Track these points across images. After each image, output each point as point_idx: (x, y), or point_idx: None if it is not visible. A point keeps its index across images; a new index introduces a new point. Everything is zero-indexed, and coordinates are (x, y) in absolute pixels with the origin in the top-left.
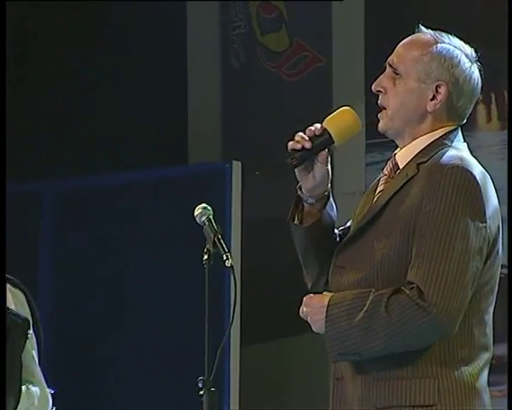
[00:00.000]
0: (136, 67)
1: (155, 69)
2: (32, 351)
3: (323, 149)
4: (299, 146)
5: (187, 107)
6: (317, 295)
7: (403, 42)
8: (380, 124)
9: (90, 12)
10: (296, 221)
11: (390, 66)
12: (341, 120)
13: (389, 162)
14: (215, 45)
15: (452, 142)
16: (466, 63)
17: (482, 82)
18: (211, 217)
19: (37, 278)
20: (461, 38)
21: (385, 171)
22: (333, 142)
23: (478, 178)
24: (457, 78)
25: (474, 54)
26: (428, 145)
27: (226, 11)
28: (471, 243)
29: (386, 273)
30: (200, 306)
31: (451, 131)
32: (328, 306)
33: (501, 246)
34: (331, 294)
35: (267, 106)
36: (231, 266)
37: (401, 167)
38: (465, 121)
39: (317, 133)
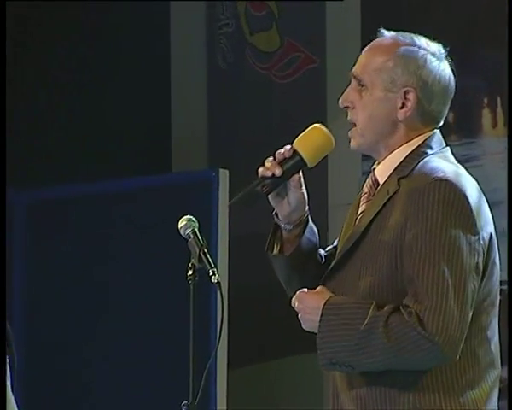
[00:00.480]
0: (117, 70)
1: (137, 71)
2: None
3: (295, 173)
4: (268, 173)
5: (170, 111)
6: (312, 292)
7: (364, 50)
8: (351, 142)
9: (67, 12)
10: (275, 251)
11: (354, 77)
12: (312, 140)
13: (369, 178)
14: (200, 45)
15: (432, 149)
16: (433, 62)
17: (456, 78)
18: (196, 229)
19: (11, 289)
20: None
21: (365, 188)
22: (305, 164)
23: (463, 188)
24: (425, 80)
25: (442, 50)
26: (407, 157)
27: (212, 9)
28: (466, 260)
29: (376, 299)
30: (185, 324)
31: (429, 138)
32: (323, 309)
33: (497, 254)
34: (328, 294)
35: (256, 110)
36: (218, 282)
37: (381, 183)
38: (442, 123)
39: (287, 156)
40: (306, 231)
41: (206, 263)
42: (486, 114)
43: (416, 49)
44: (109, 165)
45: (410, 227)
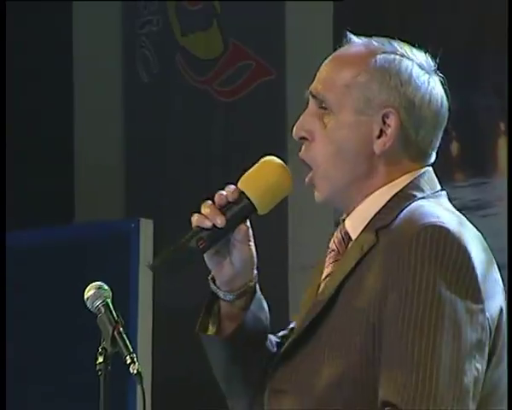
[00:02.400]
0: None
1: (31, 85)
2: None
3: (242, 223)
4: (207, 223)
5: (72, 140)
6: None
7: (326, 61)
8: (316, 194)
9: None
10: (210, 330)
11: (313, 97)
12: (264, 178)
13: (337, 232)
14: (114, 50)
15: (423, 191)
16: (421, 76)
17: (448, 99)
18: (108, 301)
19: None
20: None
21: (332, 245)
22: (254, 210)
23: (465, 240)
24: (411, 99)
25: (430, 62)
26: (389, 202)
27: (131, 1)
28: (464, 334)
29: (346, 394)
30: None
31: (418, 177)
32: None
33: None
34: None
35: (191, 137)
36: (138, 372)
37: (354, 238)
38: (434, 159)
39: (230, 200)
40: (253, 303)
41: (123, 347)
42: (503, 145)
43: (397, 58)
44: None
45: (392, 289)
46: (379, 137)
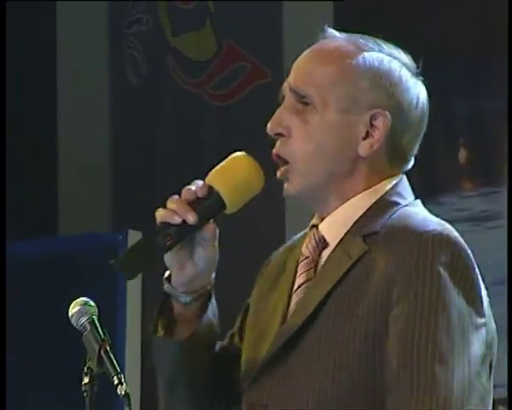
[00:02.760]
0: None
1: (13, 87)
2: None
3: (210, 219)
4: (176, 219)
5: (56, 147)
6: None
7: (307, 53)
8: (286, 186)
9: None
10: (160, 333)
11: (294, 92)
12: (234, 173)
13: (309, 237)
14: (100, 50)
15: (405, 198)
16: (409, 79)
17: (429, 104)
18: (94, 317)
19: None
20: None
21: (305, 250)
22: (224, 207)
23: (470, 254)
24: (400, 101)
25: (414, 64)
26: (370, 208)
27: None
28: (473, 351)
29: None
30: None
31: (398, 184)
32: None
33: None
34: None
35: (183, 144)
36: (126, 393)
37: (331, 244)
38: (410, 166)
39: (200, 195)
40: (209, 308)
41: (110, 367)
42: None
43: (386, 57)
44: None
45: (398, 299)
46: (365, 138)
